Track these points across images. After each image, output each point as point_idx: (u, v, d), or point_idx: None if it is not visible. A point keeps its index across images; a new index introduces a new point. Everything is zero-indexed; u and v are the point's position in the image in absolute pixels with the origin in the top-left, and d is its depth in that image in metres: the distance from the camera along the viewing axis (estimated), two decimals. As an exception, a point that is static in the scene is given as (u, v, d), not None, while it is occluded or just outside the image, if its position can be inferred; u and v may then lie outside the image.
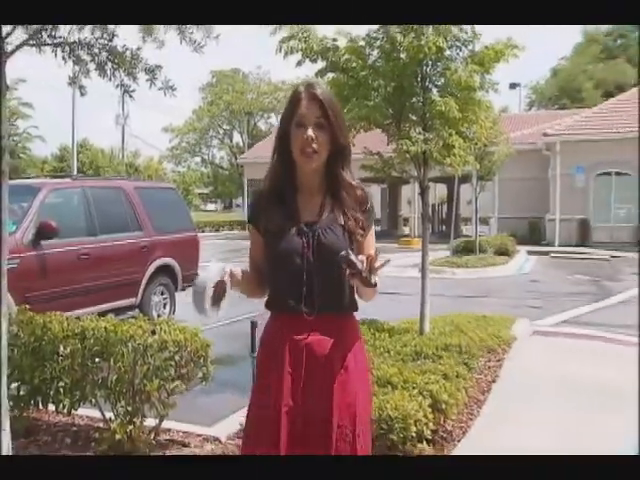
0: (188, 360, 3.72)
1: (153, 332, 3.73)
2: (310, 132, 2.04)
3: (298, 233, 2.08)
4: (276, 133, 2.18)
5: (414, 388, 3.86)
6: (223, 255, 21.95)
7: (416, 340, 5.44)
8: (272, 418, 2.01)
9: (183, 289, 8.98)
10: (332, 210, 2.13)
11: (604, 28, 48.97)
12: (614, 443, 4.06)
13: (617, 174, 22.94)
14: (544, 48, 58.76)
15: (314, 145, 2.04)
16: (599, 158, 22.56)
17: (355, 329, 2.19)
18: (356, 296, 2.15)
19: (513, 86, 42.55)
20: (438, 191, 31.64)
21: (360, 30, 6.16)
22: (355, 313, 2.20)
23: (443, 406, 3.91)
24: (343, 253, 1.91)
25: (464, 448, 3.96)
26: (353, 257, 1.90)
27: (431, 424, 3.66)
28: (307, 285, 2.05)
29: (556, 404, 4.92)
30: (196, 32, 3.56)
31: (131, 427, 3.71)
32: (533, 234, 24.27)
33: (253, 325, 3.71)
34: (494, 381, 5.41)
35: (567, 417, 4.60)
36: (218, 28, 3.58)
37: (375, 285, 1.92)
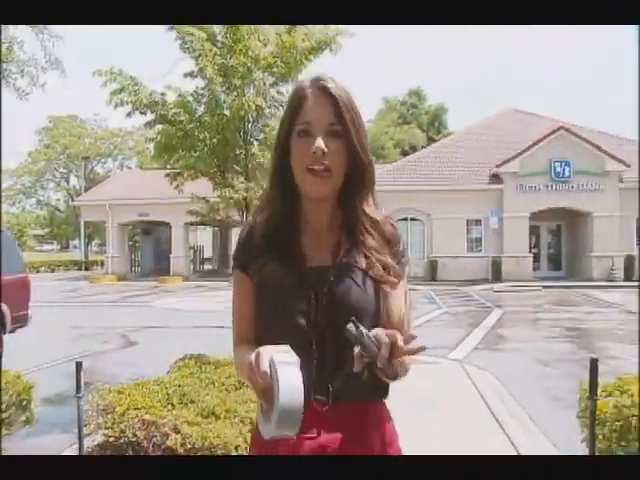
0: (9, 404, 3.36)
1: (-30, 378, 3.33)
2: (320, 142, 1.31)
3: (303, 284, 1.35)
4: (273, 148, 1.47)
5: (235, 417, 3.80)
6: (59, 295, 20.31)
7: (240, 370, 5.37)
8: None
9: (12, 331, 8.18)
10: (350, 251, 1.40)
11: (400, 98, 53.48)
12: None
13: (412, 219, 24.98)
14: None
15: (326, 161, 1.32)
16: (398, 206, 24.41)
17: (386, 421, 1.47)
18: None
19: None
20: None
21: (188, 86, 6.17)
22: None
23: (263, 430, 3.89)
24: (349, 326, 1.19)
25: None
26: (365, 333, 1.17)
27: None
28: (318, 360, 1.32)
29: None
30: (20, 80, 3.32)
31: (-56, 478, 3.25)
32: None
33: (78, 366, 3.43)
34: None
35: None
36: (44, 77, 3.33)
37: (396, 378, 1.23)
